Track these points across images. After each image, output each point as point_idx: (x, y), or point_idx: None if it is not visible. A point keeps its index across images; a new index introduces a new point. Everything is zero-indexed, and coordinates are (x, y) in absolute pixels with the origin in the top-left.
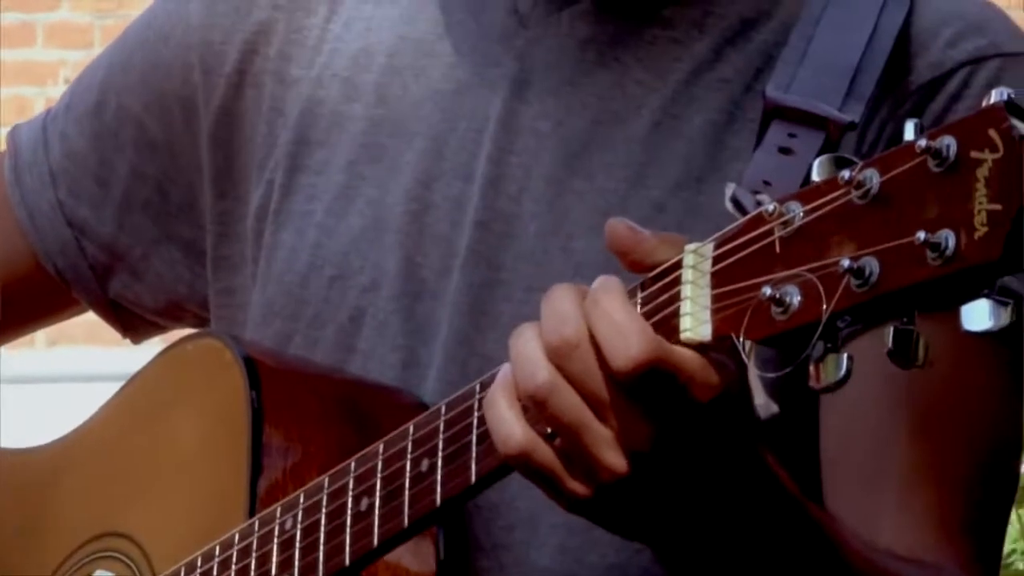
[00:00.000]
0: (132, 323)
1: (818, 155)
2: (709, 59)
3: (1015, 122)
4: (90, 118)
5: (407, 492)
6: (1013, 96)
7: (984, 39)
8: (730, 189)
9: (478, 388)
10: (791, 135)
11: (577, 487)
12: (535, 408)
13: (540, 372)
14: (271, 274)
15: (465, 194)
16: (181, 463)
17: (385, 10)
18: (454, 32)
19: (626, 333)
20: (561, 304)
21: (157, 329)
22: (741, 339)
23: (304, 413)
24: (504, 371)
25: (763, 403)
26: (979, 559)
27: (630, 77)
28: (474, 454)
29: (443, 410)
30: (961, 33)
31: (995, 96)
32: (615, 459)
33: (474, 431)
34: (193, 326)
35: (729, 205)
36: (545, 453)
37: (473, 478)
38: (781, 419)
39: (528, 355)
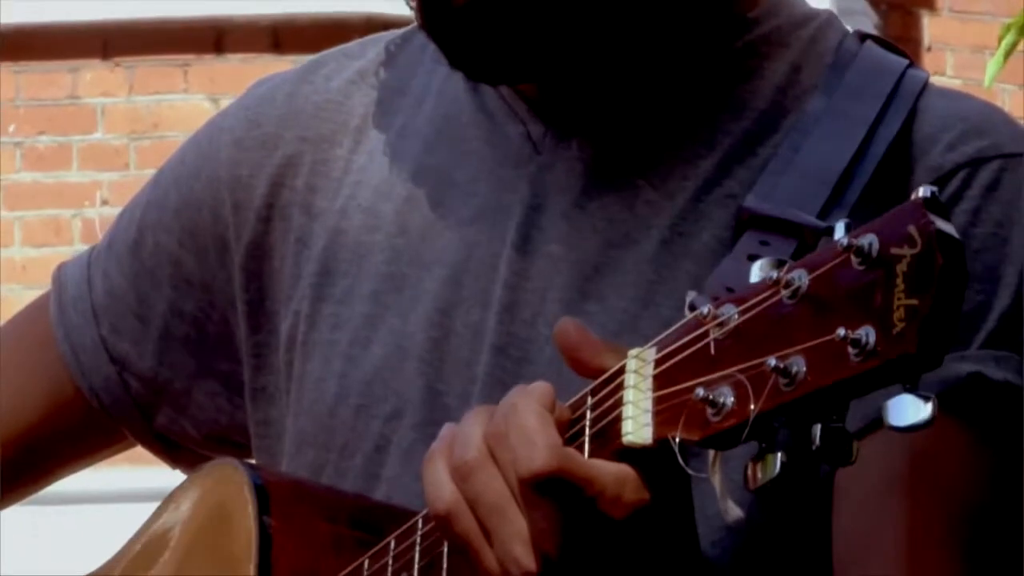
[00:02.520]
0: (179, 454)
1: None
2: (716, 175)
3: (933, 218)
4: (129, 256)
5: None
6: (935, 193)
7: (985, 140)
8: (690, 296)
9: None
10: (763, 243)
11: (491, 568)
12: (460, 480)
13: (474, 446)
14: (302, 404)
15: (483, 321)
16: None
17: (408, 141)
18: (471, 160)
19: (532, 442)
20: (512, 395)
21: (204, 459)
22: (677, 441)
23: (315, 539)
24: (445, 435)
25: (726, 507)
26: None
27: (640, 198)
28: (445, 566)
29: (419, 524)
30: (962, 136)
31: (920, 192)
32: (524, 555)
33: (445, 543)
34: (238, 455)
35: (687, 312)
36: (469, 522)
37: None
38: (786, 524)
39: (468, 430)
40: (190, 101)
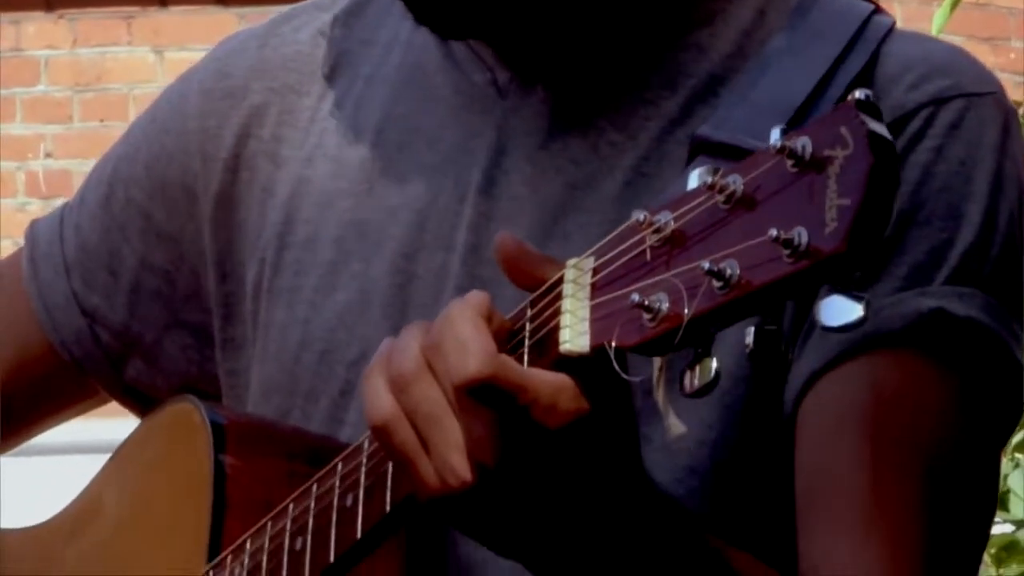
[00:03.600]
0: (149, 407)
1: None
2: (679, 116)
3: (865, 118)
4: (100, 210)
5: (334, 528)
6: (869, 96)
7: (947, 80)
8: (637, 214)
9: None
10: (715, 169)
11: (429, 478)
12: (398, 392)
13: (411, 358)
14: (267, 352)
15: (447, 264)
16: (156, 527)
17: (375, 90)
18: (437, 106)
19: (465, 348)
20: (449, 308)
21: None
22: (612, 347)
23: (271, 473)
24: (383, 348)
25: (671, 423)
26: None
27: (603, 139)
28: (390, 485)
29: (365, 444)
30: (925, 76)
31: (854, 95)
32: (460, 463)
33: (389, 463)
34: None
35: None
36: (407, 432)
37: (388, 507)
38: (744, 448)
39: (405, 343)
40: (134, 54)
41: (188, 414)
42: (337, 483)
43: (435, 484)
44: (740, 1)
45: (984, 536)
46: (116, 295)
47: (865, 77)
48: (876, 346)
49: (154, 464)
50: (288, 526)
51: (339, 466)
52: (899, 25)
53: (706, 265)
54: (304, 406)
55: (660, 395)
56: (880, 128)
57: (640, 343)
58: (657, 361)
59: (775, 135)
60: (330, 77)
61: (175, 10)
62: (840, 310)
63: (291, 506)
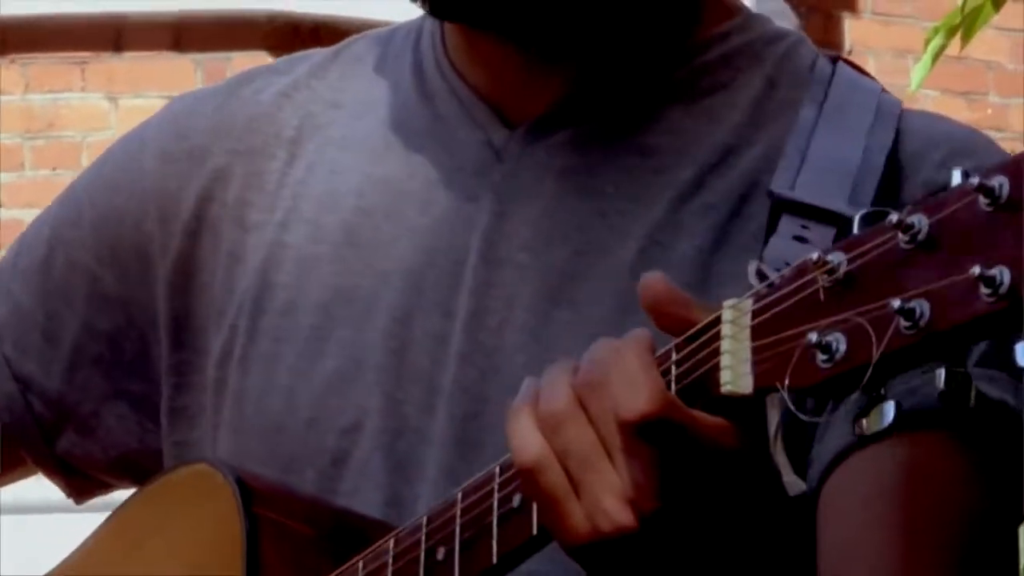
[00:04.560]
0: (80, 482)
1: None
2: (692, 186)
3: None
4: (37, 274)
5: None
6: None
7: (972, 160)
8: (753, 265)
9: (498, 472)
10: (803, 227)
11: (579, 523)
12: (550, 432)
13: (562, 399)
14: (241, 421)
15: (446, 330)
16: None
17: (350, 153)
18: (426, 170)
19: (637, 384)
20: (597, 349)
21: (104, 488)
22: (786, 387)
23: (298, 536)
24: (528, 387)
25: (791, 480)
26: None
27: (612, 207)
28: (495, 536)
29: (460, 497)
30: (950, 155)
31: None
32: (616, 508)
33: (495, 513)
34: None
35: (753, 279)
36: (557, 474)
37: (495, 559)
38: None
39: (556, 380)
40: (87, 100)
41: (208, 475)
42: (424, 538)
43: (585, 529)
44: (750, 71)
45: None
46: (53, 362)
47: (893, 154)
48: (909, 427)
49: (169, 524)
50: None
51: (424, 520)
52: (875, 77)
53: (896, 304)
54: (284, 476)
55: (779, 450)
56: None
57: (817, 383)
58: (775, 418)
59: (956, 176)
60: (297, 140)
61: (129, 56)
62: None
63: (360, 564)
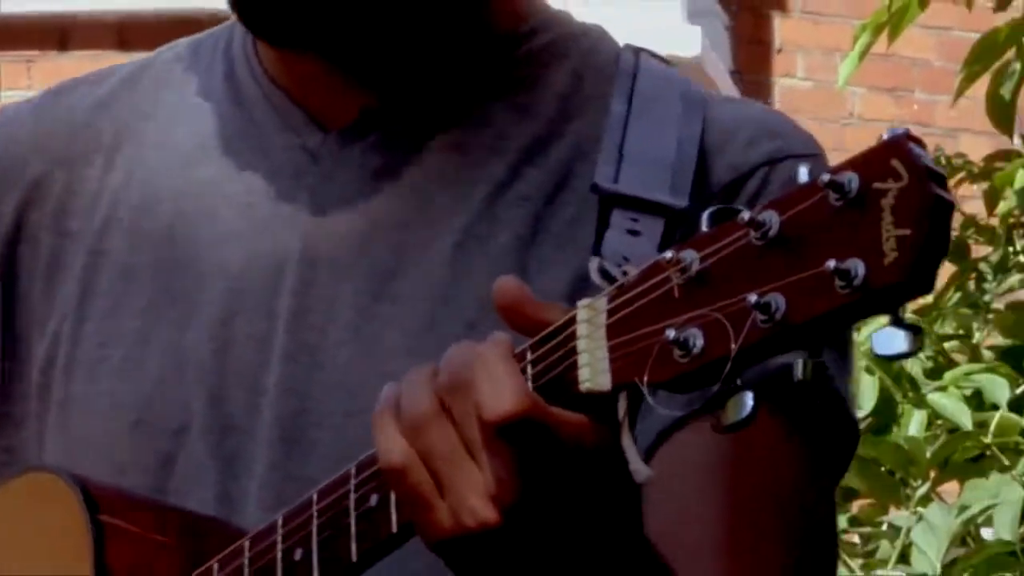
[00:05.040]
0: None
1: (663, 236)
2: (507, 179)
3: (917, 151)
4: None
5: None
6: (908, 131)
7: (778, 142)
8: (594, 262)
9: (354, 472)
10: (633, 219)
11: (444, 521)
12: (413, 435)
13: (424, 402)
14: (67, 426)
15: (269, 330)
16: None
17: (166, 160)
18: (243, 175)
19: (502, 384)
20: (456, 352)
21: None
22: (645, 383)
23: (146, 542)
24: (389, 392)
25: (638, 468)
26: None
27: (428, 203)
28: (354, 535)
29: (315, 499)
30: (756, 137)
31: (898, 131)
32: (481, 505)
33: (352, 513)
34: None
35: (596, 276)
36: (422, 474)
37: (354, 557)
38: None
39: (417, 384)
40: None
41: (50, 482)
42: (280, 539)
43: (450, 526)
44: (557, 65)
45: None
46: None
47: (703, 138)
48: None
49: (11, 533)
50: None
51: (280, 521)
52: (802, 75)
53: (753, 298)
54: (113, 478)
55: (626, 439)
56: (931, 160)
57: (676, 377)
58: (623, 406)
59: (803, 173)
60: (114, 148)
61: (76, 55)
62: (892, 340)
63: (215, 566)
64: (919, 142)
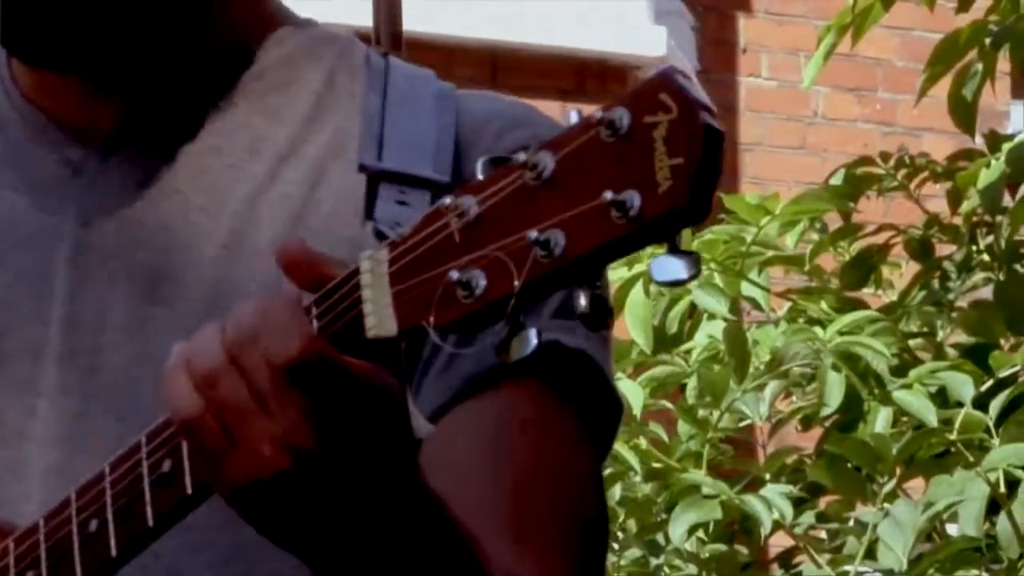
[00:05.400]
0: None
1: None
2: (267, 179)
3: (685, 83)
4: None
5: (77, 555)
6: (669, 70)
7: (528, 130)
8: (368, 226)
9: (144, 441)
10: (401, 192)
11: (238, 472)
12: (205, 388)
13: (214, 356)
14: None
15: (42, 337)
16: None
17: None
18: (5, 193)
19: (290, 331)
20: (242, 309)
21: None
22: (431, 325)
23: None
24: (179, 351)
25: (418, 424)
26: None
27: (192, 206)
28: (149, 500)
29: (107, 471)
30: (505, 128)
31: (662, 67)
32: (273, 453)
33: (146, 479)
34: None
35: (372, 238)
36: (214, 427)
37: (151, 522)
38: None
39: (205, 342)
40: None
41: None
42: (74, 513)
43: (244, 475)
44: (311, 67)
45: (605, 548)
46: None
47: (457, 130)
48: (502, 379)
49: None
50: (12, 564)
51: (72, 496)
52: (766, 75)
53: (533, 235)
54: None
55: (408, 397)
56: (699, 91)
57: (462, 317)
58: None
59: (574, 116)
60: None
61: None
62: (669, 267)
63: (11, 545)
64: (686, 76)
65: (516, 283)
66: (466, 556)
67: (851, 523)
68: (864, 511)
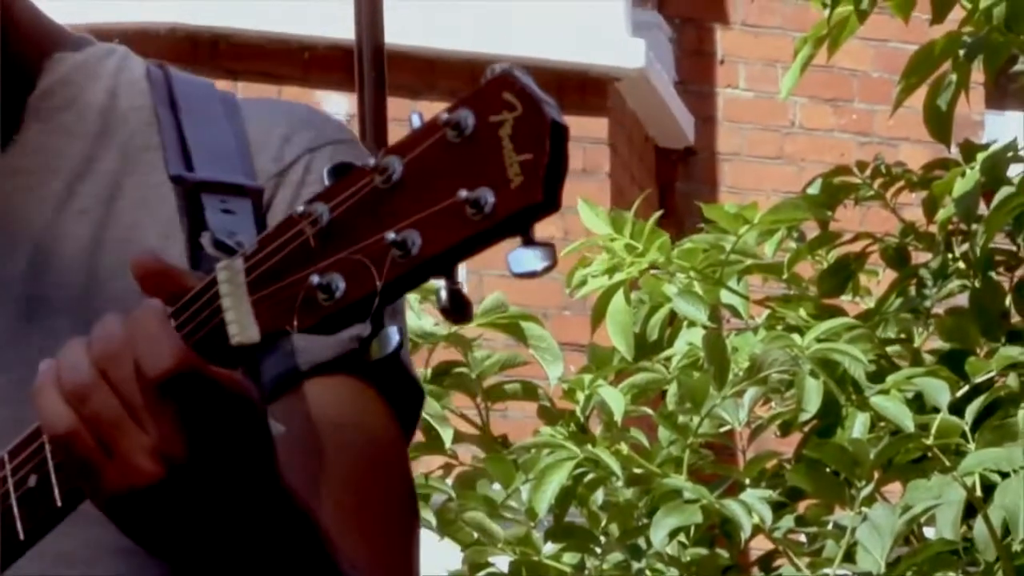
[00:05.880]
0: None
1: (254, 213)
2: (64, 196)
3: (525, 81)
4: None
5: None
6: (508, 69)
7: (313, 131)
8: (206, 236)
9: (7, 458)
10: (223, 200)
11: (113, 482)
12: (77, 402)
13: (83, 372)
14: None
15: None
16: None
17: None
18: None
19: (160, 343)
20: (107, 323)
21: None
22: (295, 328)
23: None
24: (47, 366)
25: (272, 424)
26: None
27: (2, 231)
28: (18, 515)
29: (6, 459)
30: (292, 130)
31: (497, 69)
32: (147, 463)
33: (13, 496)
34: None
35: (211, 249)
36: (88, 441)
37: (22, 535)
38: None
39: (73, 358)
40: None
41: None
42: None
43: (118, 485)
44: (92, 85)
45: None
46: None
47: (245, 134)
48: (313, 374)
49: None
50: None
51: None
52: (744, 86)
53: (391, 236)
54: None
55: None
56: (539, 88)
57: (322, 320)
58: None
59: (416, 119)
60: None
61: None
62: (525, 259)
63: None
64: (526, 74)
65: (378, 283)
66: (319, 546)
67: (830, 527)
68: (843, 515)
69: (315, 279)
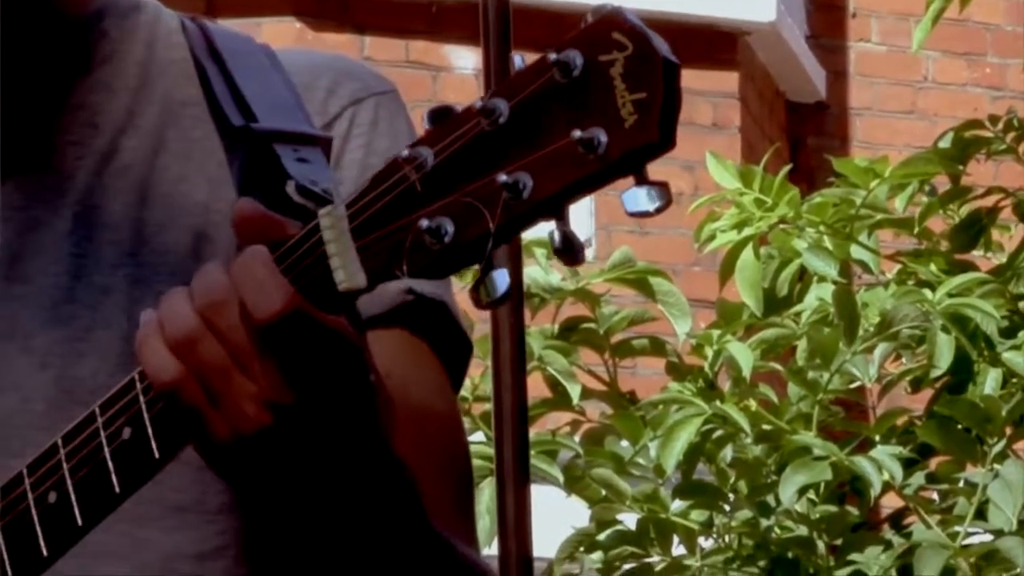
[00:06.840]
0: None
1: (328, 161)
2: (108, 152)
3: (633, 19)
4: None
5: (39, 527)
6: (615, 7)
7: (357, 83)
8: (291, 184)
9: (99, 411)
10: (296, 150)
11: (220, 430)
12: (183, 352)
13: (188, 321)
14: None
15: None
16: None
17: None
18: None
19: (267, 287)
20: (209, 271)
21: None
22: (405, 273)
23: None
24: (149, 318)
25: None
26: (474, 542)
27: (42, 184)
28: (112, 468)
29: (60, 444)
30: (336, 82)
31: (599, 10)
32: (255, 411)
33: (106, 449)
34: None
35: (297, 197)
36: (195, 389)
37: (117, 488)
38: None
39: (176, 308)
40: None
41: None
42: (28, 489)
43: (227, 434)
44: (129, 38)
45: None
46: None
47: (294, 84)
48: (367, 327)
49: None
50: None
51: (24, 473)
52: (877, 40)
53: (502, 178)
54: None
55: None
56: (646, 27)
57: (431, 263)
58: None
59: (519, 61)
60: None
61: None
62: (639, 198)
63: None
64: (633, 12)
65: (491, 226)
66: (415, 498)
67: (961, 484)
68: (974, 472)
69: (424, 223)
